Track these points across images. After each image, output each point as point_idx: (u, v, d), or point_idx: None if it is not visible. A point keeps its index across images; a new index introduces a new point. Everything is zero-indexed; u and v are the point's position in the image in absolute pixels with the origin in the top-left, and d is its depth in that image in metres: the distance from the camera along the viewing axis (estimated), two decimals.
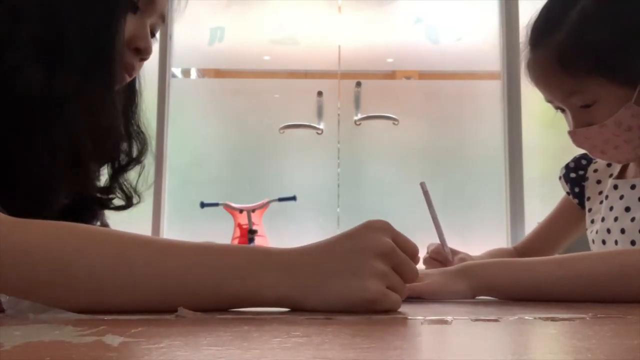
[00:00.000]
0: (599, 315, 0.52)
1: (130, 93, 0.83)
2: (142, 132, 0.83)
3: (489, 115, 2.69)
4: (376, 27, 2.79)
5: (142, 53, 0.76)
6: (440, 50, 2.78)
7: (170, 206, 2.63)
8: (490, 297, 0.76)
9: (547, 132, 2.58)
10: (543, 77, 0.96)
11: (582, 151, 1.18)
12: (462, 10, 2.75)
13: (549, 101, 0.99)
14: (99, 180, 0.79)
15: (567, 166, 1.18)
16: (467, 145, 2.68)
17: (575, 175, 1.15)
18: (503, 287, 0.75)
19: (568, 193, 1.18)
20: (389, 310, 0.52)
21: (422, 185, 0.98)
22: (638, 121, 0.91)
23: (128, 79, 0.78)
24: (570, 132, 0.98)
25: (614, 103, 0.91)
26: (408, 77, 3.03)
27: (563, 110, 0.99)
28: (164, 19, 0.81)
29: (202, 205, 2.46)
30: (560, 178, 1.19)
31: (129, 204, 0.82)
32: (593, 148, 0.98)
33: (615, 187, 1.04)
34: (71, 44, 0.67)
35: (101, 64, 0.69)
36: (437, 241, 1.02)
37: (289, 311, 0.54)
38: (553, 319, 0.49)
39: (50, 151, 0.67)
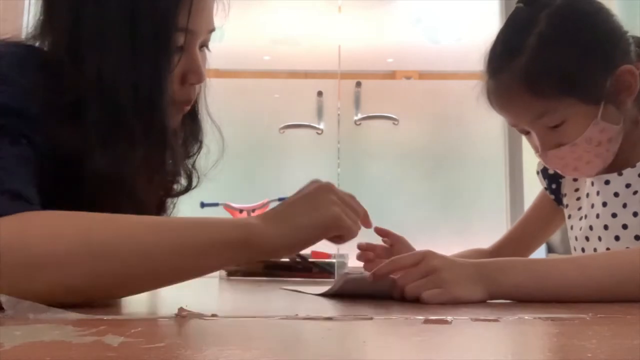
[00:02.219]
0: (599, 315, 0.52)
1: (194, 128, 0.84)
2: (197, 170, 0.88)
3: (489, 115, 2.68)
4: (376, 27, 2.79)
5: (197, 83, 0.76)
6: (440, 50, 2.78)
7: None
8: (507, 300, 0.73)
9: None
10: (509, 102, 1.00)
11: None
12: (462, 10, 2.74)
13: (513, 125, 1.02)
14: None
15: None
16: (467, 145, 2.68)
17: (554, 172, 1.14)
18: (525, 292, 0.71)
19: (545, 188, 1.18)
20: (349, 234, 0.68)
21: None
22: (606, 135, 0.95)
23: (187, 109, 0.78)
24: (541, 155, 1.00)
25: (582, 121, 0.94)
26: (408, 77, 3.03)
27: (527, 133, 1.01)
28: (213, 29, 0.78)
29: (202, 205, 2.46)
30: (538, 173, 1.19)
31: None
32: (565, 167, 1.00)
33: (592, 183, 1.05)
34: (128, 116, 0.67)
35: (156, 130, 0.70)
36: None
37: (289, 311, 0.54)
38: (553, 319, 0.49)
39: None
